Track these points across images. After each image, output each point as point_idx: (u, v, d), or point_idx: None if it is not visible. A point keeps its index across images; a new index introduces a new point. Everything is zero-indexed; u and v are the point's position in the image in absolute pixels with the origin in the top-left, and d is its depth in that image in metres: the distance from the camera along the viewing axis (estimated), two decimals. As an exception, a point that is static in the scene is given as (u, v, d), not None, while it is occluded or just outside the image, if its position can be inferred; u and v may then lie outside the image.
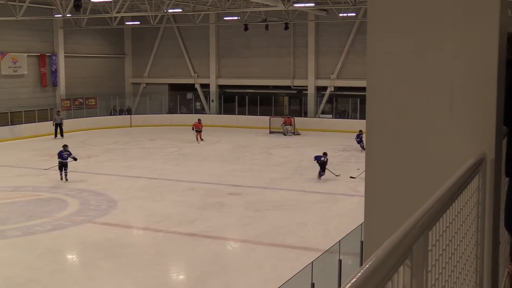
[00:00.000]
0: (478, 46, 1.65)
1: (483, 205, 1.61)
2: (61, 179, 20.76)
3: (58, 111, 34.91)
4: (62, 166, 20.93)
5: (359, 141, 27.67)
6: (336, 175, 21.21)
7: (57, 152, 21.38)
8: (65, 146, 21.61)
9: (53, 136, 32.87)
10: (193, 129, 31.82)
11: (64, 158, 20.96)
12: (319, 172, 20.83)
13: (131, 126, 38.61)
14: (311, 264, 7.37)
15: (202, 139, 31.38)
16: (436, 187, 1.68)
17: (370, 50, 1.82)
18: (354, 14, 35.24)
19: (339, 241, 8.52)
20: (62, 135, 32.92)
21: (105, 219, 15.71)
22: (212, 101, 41.42)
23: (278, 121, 35.61)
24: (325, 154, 20.99)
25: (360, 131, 28.31)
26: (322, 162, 20.78)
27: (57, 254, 13.34)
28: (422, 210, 1.14)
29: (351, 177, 21.12)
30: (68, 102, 38.30)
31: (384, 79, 1.78)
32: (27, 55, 35.85)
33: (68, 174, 20.95)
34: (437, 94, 1.68)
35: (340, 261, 8.22)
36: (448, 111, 1.68)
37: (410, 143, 1.75)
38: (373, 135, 1.84)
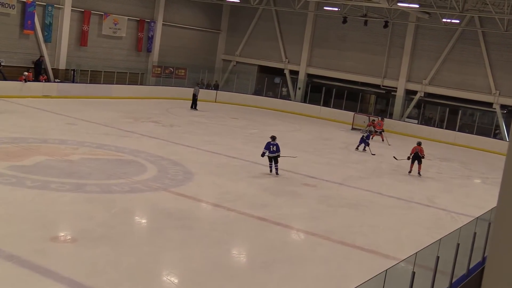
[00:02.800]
0: None
1: None
2: (270, 171, 19.25)
3: (198, 83, 36.29)
4: (272, 159, 19.18)
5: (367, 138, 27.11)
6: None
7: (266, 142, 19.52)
8: (273, 138, 19.49)
9: (190, 106, 34.31)
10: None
11: (271, 151, 19.15)
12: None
13: (215, 102, 39.11)
14: (385, 271, 7.23)
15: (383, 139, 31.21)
16: None
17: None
18: (458, 21, 34.17)
19: (416, 253, 8.30)
20: (196, 108, 34.11)
21: (180, 190, 15.97)
22: (299, 88, 41.33)
23: (361, 118, 35.13)
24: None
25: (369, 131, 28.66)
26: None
27: (131, 216, 13.70)
28: None
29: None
30: (159, 69, 39.19)
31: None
32: (128, 18, 36.86)
33: (160, 141, 21.17)
34: None
35: (413, 273, 8.02)
36: None
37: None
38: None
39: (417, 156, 22.42)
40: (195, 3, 40.70)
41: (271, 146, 19.20)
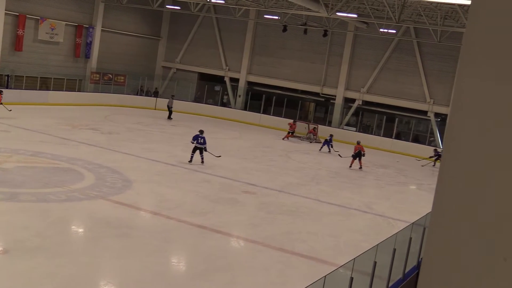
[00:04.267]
0: None
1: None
2: (190, 161, 21.75)
3: (173, 95, 37.52)
4: (197, 149, 21.80)
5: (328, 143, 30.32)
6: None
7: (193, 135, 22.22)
8: (201, 131, 22.22)
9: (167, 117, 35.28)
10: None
11: (199, 142, 21.83)
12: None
13: (155, 109, 38.75)
14: (323, 278, 7.29)
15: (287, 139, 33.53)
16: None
17: (459, 77, 1.72)
18: (394, 31, 35.03)
19: (354, 258, 8.42)
20: (170, 118, 34.99)
21: (119, 198, 15.72)
22: (239, 96, 41.43)
23: (301, 126, 35.46)
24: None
25: (331, 135, 31.34)
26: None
27: (68, 226, 13.37)
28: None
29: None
30: (98, 76, 38.55)
31: (470, 110, 1.69)
32: (65, 23, 36.14)
33: (98, 149, 21.08)
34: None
35: (351, 278, 8.13)
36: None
37: (489, 181, 1.66)
38: (448, 167, 1.74)
39: (358, 154, 25.88)
40: (135, 10, 40.28)
41: (199, 138, 21.94)
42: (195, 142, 21.89)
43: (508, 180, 1.64)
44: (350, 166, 25.96)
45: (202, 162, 21.85)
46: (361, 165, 25.93)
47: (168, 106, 35.67)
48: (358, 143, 26.40)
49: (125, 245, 12.18)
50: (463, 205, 1.69)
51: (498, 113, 1.65)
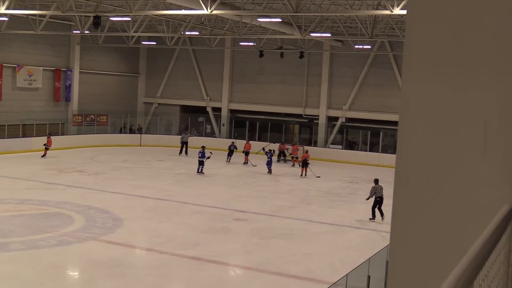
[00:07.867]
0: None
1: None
2: (198, 172, 27.49)
3: (186, 131, 37.93)
4: (199, 163, 27.40)
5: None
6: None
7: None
8: (203, 147, 27.93)
9: (178, 152, 35.42)
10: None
11: (199, 156, 27.34)
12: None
13: (140, 145, 38.67)
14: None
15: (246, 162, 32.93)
16: (466, 234, 1.63)
17: (404, 92, 1.78)
18: (369, 47, 35.38)
19: (346, 274, 8.42)
20: (186, 153, 35.20)
21: (110, 238, 15.62)
22: (223, 125, 41.48)
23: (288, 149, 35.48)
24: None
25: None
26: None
27: (60, 271, 13.25)
28: (463, 265, 1.09)
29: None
30: (80, 117, 38.50)
31: (416, 122, 1.74)
32: (43, 69, 36.18)
33: (86, 190, 21.26)
34: (471, 138, 1.64)
35: (346, 295, 8.12)
36: (481, 155, 1.64)
37: (441, 187, 1.70)
38: (403, 178, 1.79)
39: (305, 162, 28.60)
40: (111, 49, 40.42)
41: (199, 153, 27.64)
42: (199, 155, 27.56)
43: (462, 178, 1.68)
44: (302, 175, 28.51)
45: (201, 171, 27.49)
46: (303, 172, 28.53)
47: (183, 141, 35.73)
48: (306, 151, 29.77)
49: (120, 284, 12.09)
50: (421, 207, 1.73)
51: (446, 116, 1.70)
